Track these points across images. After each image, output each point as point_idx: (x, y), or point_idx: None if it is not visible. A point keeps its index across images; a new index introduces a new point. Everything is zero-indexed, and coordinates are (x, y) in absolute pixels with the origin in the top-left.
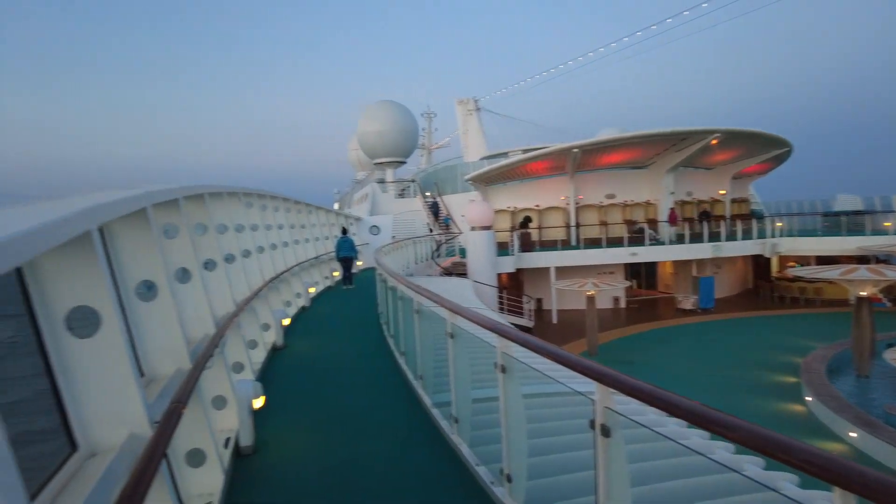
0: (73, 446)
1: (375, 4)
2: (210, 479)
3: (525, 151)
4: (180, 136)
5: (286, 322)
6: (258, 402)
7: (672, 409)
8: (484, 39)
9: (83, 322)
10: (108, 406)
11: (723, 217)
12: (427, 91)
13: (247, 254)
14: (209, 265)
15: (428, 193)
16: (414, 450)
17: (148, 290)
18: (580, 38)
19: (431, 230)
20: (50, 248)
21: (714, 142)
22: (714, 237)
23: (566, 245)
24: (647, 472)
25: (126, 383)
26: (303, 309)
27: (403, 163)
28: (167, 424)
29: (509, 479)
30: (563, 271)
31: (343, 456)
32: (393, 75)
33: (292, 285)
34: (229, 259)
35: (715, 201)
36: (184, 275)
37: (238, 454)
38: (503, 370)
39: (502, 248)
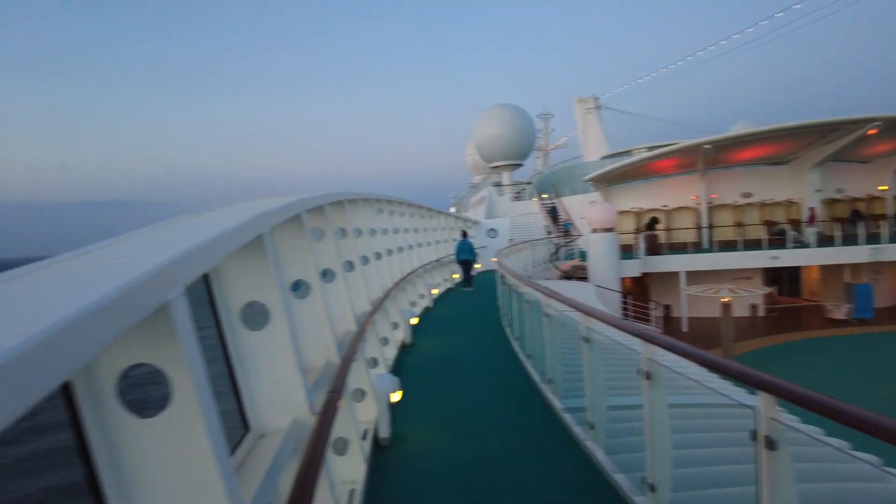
0: (246, 427)
1: (490, 10)
2: (353, 468)
3: (650, 149)
4: (297, 149)
5: (414, 321)
6: (395, 397)
7: (862, 426)
8: (602, 36)
9: (255, 316)
10: (275, 393)
11: (882, 216)
12: (543, 92)
13: (378, 256)
14: (348, 266)
15: (545, 195)
16: (545, 452)
17: (301, 288)
18: (706, 29)
19: (549, 233)
20: (233, 251)
21: (872, 132)
22: (873, 238)
23: (697, 248)
24: (817, 493)
25: (291, 373)
26: (426, 309)
27: (520, 165)
28: (327, 412)
29: (653, 489)
30: (694, 276)
31: (475, 453)
32: (509, 79)
33: (417, 286)
34: (364, 261)
35: (872, 198)
36: (329, 275)
37: (377, 445)
38: (648, 376)
39: (626, 251)
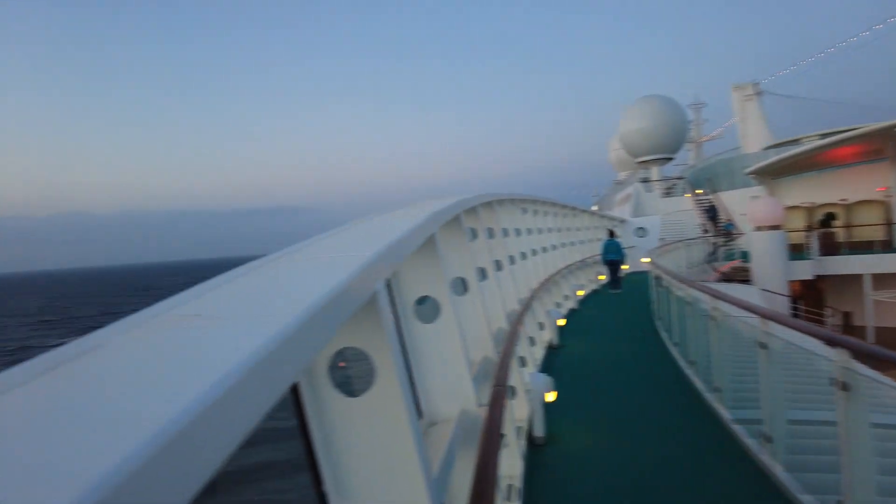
0: (419, 414)
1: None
2: (512, 463)
3: (823, 136)
4: (435, 153)
5: (561, 322)
6: (550, 396)
7: None
8: (762, 13)
9: (427, 310)
10: (445, 383)
11: None
12: (695, 80)
13: (523, 256)
14: (497, 266)
15: (699, 191)
16: (711, 464)
17: (460, 286)
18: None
19: (706, 231)
20: (415, 249)
21: None
22: None
23: (887, 247)
24: None
25: (459, 365)
26: (572, 311)
27: (670, 159)
28: (496, 405)
29: None
30: (882, 279)
31: (635, 458)
32: (655, 69)
33: (562, 287)
34: (511, 261)
35: None
36: (481, 274)
37: (531, 444)
38: (844, 387)
39: (795, 252)
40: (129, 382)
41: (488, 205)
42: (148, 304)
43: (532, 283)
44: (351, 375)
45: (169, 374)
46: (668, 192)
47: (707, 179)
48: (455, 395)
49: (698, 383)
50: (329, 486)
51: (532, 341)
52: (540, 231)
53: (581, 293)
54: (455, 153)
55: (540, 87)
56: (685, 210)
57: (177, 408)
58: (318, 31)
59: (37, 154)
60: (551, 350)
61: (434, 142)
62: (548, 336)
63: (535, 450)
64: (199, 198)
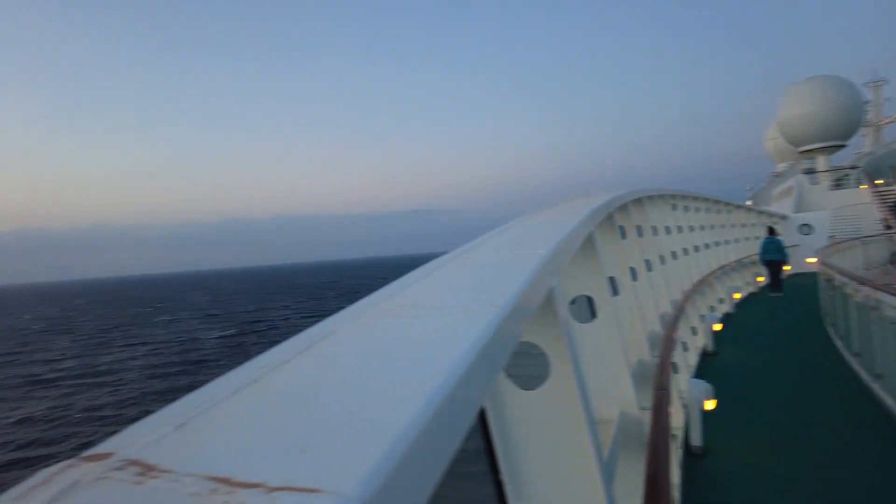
0: None
1: None
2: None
3: None
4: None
5: (717, 327)
6: (710, 404)
7: None
8: None
9: (582, 309)
10: (604, 383)
11: None
12: (872, 54)
13: (674, 256)
14: (647, 266)
15: (879, 181)
16: None
17: (612, 285)
18: None
19: (889, 227)
20: (578, 247)
21: None
22: None
23: None
24: None
25: (618, 366)
26: (727, 315)
27: (842, 147)
28: (661, 410)
29: None
30: None
31: (807, 479)
32: (824, 45)
33: (715, 289)
34: (662, 261)
35: None
36: (632, 274)
37: (688, 452)
38: None
39: None
40: (373, 365)
41: (637, 201)
42: (298, 300)
43: (684, 285)
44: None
45: (406, 361)
46: (839, 185)
47: (890, 168)
48: (614, 396)
49: (888, 399)
50: (505, 475)
51: (685, 346)
52: (691, 229)
53: (737, 296)
54: (591, 148)
55: (687, 72)
56: (861, 204)
57: (427, 390)
58: (452, 32)
59: (207, 164)
60: (705, 356)
61: (574, 136)
62: (701, 341)
63: (692, 459)
64: (342, 201)
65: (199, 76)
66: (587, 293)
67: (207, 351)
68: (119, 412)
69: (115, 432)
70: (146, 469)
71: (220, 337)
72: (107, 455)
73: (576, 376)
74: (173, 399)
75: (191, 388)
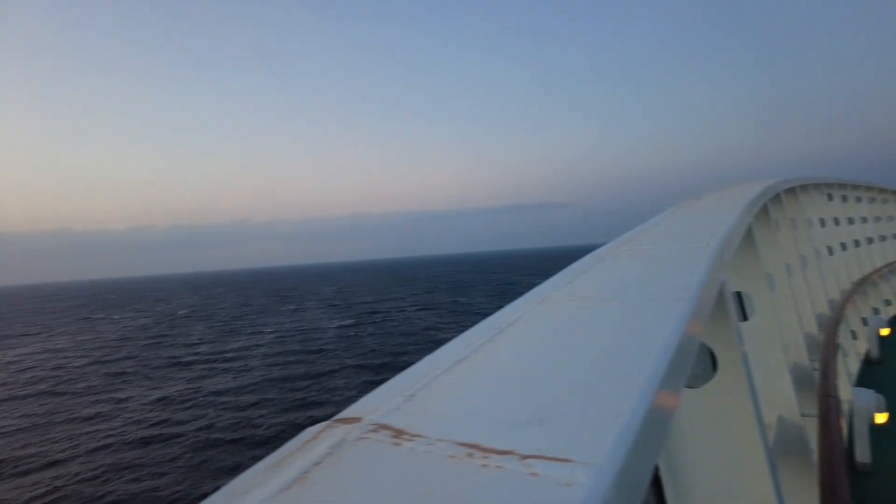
0: None
1: None
2: None
3: None
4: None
5: (885, 332)
6: (881, 418)
7: None
8: None
9: (738, 306)
10: (760, 385)
11: None
12: None
13: (830, 252)
14: (802, 261)
15: None
16: None
17: (769, 281)
18: None
19: None
20: (739, 241)
21: None
22: None
23: None
24: None
25: (777, 367)
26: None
27: None
28: (830, 420)
29: None
30: None
31: None
32: None
33: (881, 289)
34: (818, 255)
35: None
36: (787, 269)
37: (852, 469)
38: None
39: None
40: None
41: (791, 191)
42: (413, 292)
43: (843, 284)
44: None
45: (606, 346)
46: None
47: None
48: (771, 399)
49: None
50: (663, 472)
51: (844, 351)
52: (850, 221)
53: None
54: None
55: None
56: None
57: (644, 373)
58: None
59: (334, 163)
60: (868, 363)
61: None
62: (863, 346)
63: (858, 477)
64: (459, 197)
65: (319, 78)
66: (744, 290)
67: (326, 340)
68: (237, 398)
69: (234, 418)
70: (397, 433)
71: (339, 327)
72: (357, 419)
73: (746, 378)
74: (292, 388)
75: (307, 377)
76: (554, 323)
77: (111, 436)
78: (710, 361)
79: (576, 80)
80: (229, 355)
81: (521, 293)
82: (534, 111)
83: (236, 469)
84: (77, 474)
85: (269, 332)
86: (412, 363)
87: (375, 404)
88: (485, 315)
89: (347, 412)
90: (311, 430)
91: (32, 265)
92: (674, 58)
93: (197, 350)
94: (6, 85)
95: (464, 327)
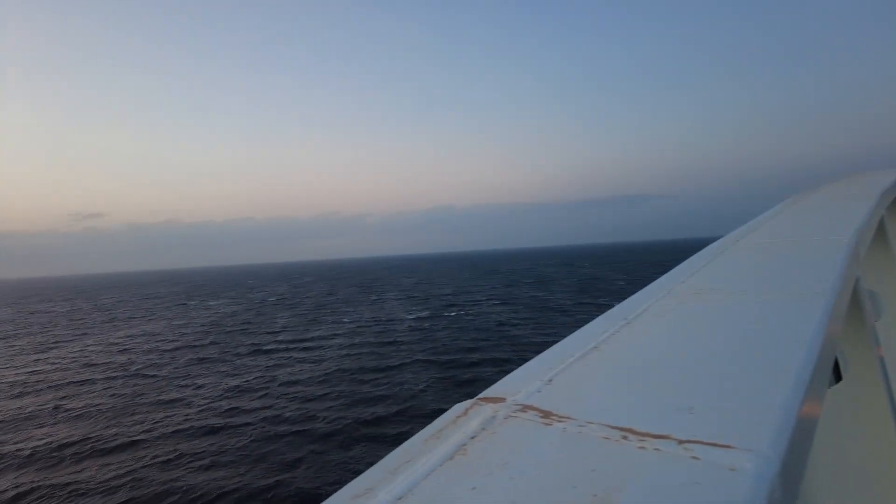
0: None
1: None
2: None
3: None
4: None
5: None
6: None
7: None
8: None
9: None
10: None
11: None
12: None
13: None
14: None
15: None
16: None
17: None
18: None
19: None
20: (872, 235)
21: None
22: None
23: None
24: None
25: None
26: None
27: None
28: None
29: None
30: None
31: None
32: None
33: None
34: None
35: None
36: None
37: None
38: None
39: None
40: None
41: None
42: (492, 285)
43: None
44: None
45: (741, 337)
46: None
47: None
48: None
49: None
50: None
51: None
52: None
53: None
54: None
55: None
56: None
57: (794, 365)
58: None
59: (417, 159)
60: None
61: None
62: None
63: None
64: (541, 191)
65: (404, 77)
66: (876, 287)
67: (400, 332)
68: (307, 389)
69: (300, 409)
70: (545, 414)
71: (415, 318)
72: (500, 399)
73: (884, 384)
74: (360, 380)
75: (377, 369)
76: (684, 315)
77: (187, 420)
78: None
79: (672, 70)
80: (307, 344)
81: (603, 289)
82: (626, 101)
83: (296, 463)
84: (152, 457)
85: (348, 322)
86: (483, 361)
87: (516, 386)
88: (563, 311)
89: (490, 392)
90: (460, 407)
91: (146, 254)
92: (778, 45)
93: (278, 338)
94: (118, 90)
95: (538, 324)
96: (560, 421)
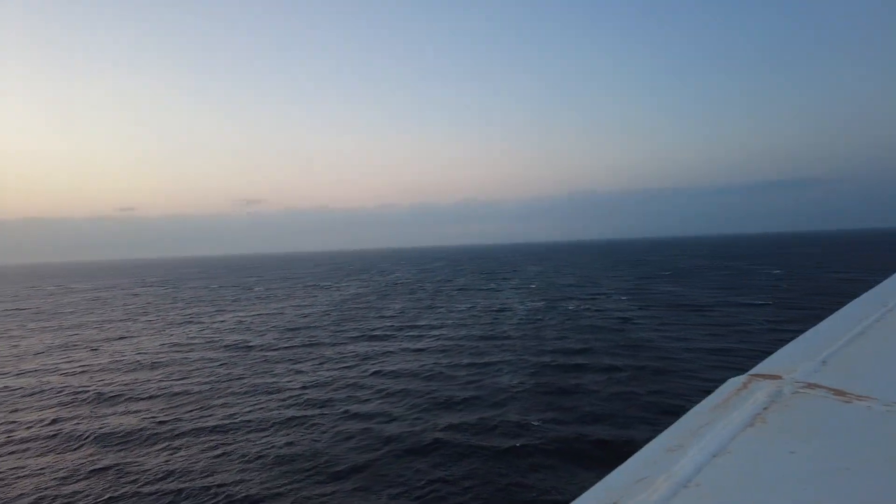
0: None
1: None
2: None
3: None
4: None
5: None
6: None
7: None
8: None
9: None
10: None
11: None
12: None
13: None
14: None
15: None
16: None
17: None
18: None
19: None
20: None
21: None
22: None
23: None
24: None
25: None
26: None
27: None
28: None
29: None
30: None
31: None
32: None
33: None
34: None
35: None
36: None
37: None
38: None
39: None
40: None
41: None
42: (618, 277)
43: None
44: None
45: None
46: None
47: None
48: None
49: None
50: None
51: None
52: None
53: None
54: None
55: None
56: None
57: None
58: None
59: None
60: None
61: None
62: None
63: None
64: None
65: (544, 62)
66: None
67: (508, 326)
68: (396, 383)
69: (379, 405)
70: (837, 392)
71: (528, 310)
72: (776, 376)
73: None
74: (451, 376)
75: (472, 366)
76: None
77: (286, 403)
78: None
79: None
80: (413, 332)
81: (755, 284)
82: (792, 71)
83: (352, 470)
84: (219, 444)
85: (459, 312)
86: (587, 367)
87: (788, 364)
88: (697, 309)
89: (760, 369)
90: (736, 381)
91: (299, 237)
92: None
93: (387, 323)
94: (278, 90)
95: (663, 324)
96: (861, 400)
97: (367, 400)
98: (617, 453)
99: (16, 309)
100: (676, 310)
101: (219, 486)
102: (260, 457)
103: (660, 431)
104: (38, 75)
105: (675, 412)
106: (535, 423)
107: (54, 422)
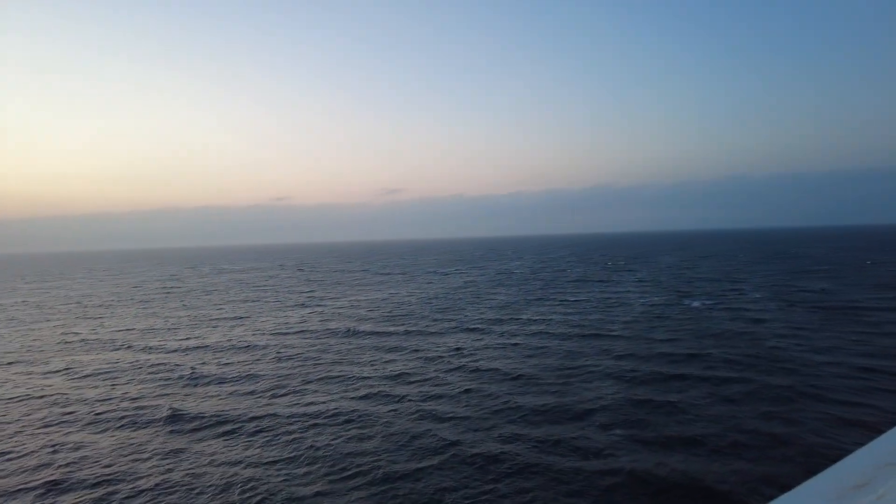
0: None
1: None
2: None
3: None
4: None
5: None
6: None
7: None
8: None
9: None
10: None
11: None
12: None
13: None
14: None
15: None
16: None
17: None
18: None
19: None
20: None
21: None
22: None
23: None
24: None
25: None
26: None
27: None
28: None
29: None
30: None
31: None
32: None
33: None
34: None
35: None
36: None
37: None
38: None
39: None
40: None
41: None
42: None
43: None
44: None
45: None
46: None
47: None
48: None
49: None
50: None
51: None
52: None
53: None
54: None
55: None
56: None
57: None
58: None
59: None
60: None
61: None
62: None
63: None
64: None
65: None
66: None
67: (618, 324)
68: (476, 382)
69: (447, 407)
70: None
71: (645, 308)
72: None
73: None
74: (535, 383)
75: (561, 369)
76: None
77: (359, 395)
78: None
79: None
80: (509, 328)
81: None
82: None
83: (396, 475)
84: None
85: (566, 307)
86: (692, 380)
87: None
88: (852, 312)
89: None
90: None
91: (434, 224)
92: None
93: (485, 316)
94: (414, 86)
95: (805, 330)
96: None
97: (439, 396)
98: (687, 490)
99: (163, 289)
100: (826, 312)
101: (261, 479)
102: (315, 449)
103: (760, 467)
104: (216, 86)
105: (787, 441)
106: (609, 444)
107: (133, 398)
